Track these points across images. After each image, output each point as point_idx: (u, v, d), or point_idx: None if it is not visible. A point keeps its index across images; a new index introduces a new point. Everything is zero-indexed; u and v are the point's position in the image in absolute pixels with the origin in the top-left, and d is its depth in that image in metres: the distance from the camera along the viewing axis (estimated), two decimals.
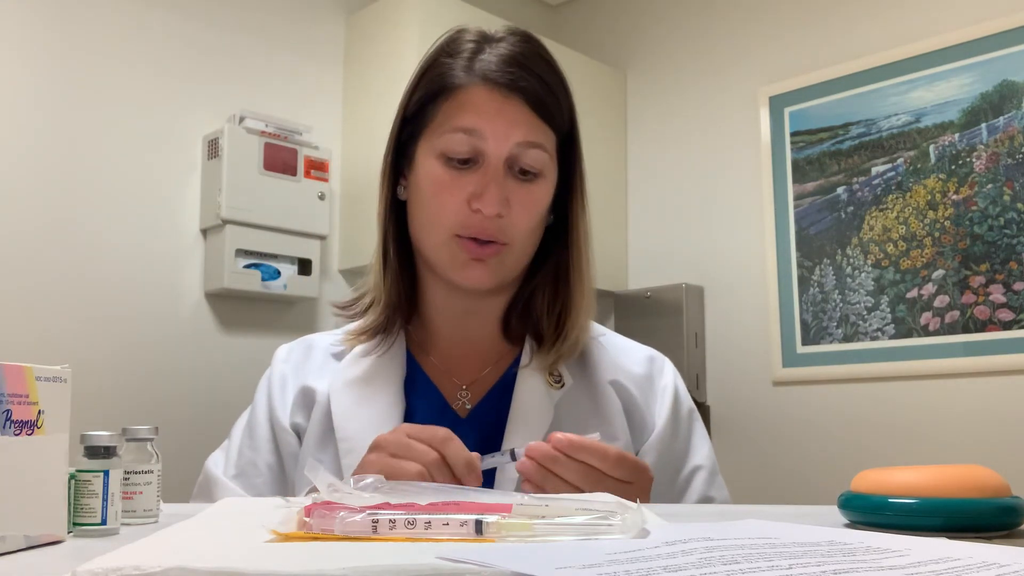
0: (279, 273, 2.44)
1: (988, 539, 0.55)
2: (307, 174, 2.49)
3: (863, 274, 2.54)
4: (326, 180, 2.54)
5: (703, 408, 2.75)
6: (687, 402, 1.04)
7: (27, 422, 0.53)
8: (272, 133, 2.43)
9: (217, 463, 1.01)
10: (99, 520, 0.58)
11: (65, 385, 0.56)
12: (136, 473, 0.65)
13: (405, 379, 1.00)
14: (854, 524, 0.61)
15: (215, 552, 0.46)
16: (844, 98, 2.62)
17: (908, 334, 2.44)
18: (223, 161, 2.32)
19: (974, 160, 2.38)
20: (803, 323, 2.64)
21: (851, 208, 2.58)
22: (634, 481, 0.78)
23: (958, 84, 2.42)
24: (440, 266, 0.97)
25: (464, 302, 1.01)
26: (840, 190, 2.61)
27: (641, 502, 0.78)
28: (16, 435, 0.52)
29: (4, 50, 2.10)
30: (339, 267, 2.67)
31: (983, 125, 2.37)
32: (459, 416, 0.98)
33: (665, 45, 3.08)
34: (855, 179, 2.58)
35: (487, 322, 1.03)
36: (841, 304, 2.57)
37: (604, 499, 0.62)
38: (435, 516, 0.49)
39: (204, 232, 2.40)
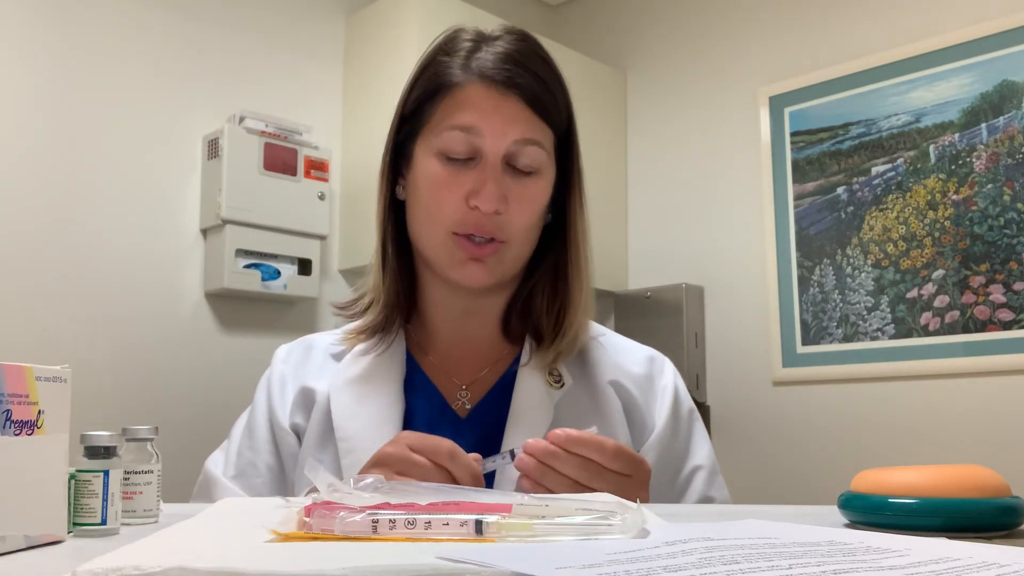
0: (279, 273, 2.44)
1: (988, 539, 0.55)
2: (307, 174, 2.49)
3: (863, 274, 2.54)
4: (326, 180, 2.54)
5: (703, 408, 2.75)
6: (687, 402, 1.04)
7: (27, 422, 0.53)
8: (272, 133, 2.43)
9: (217, 463, 1.01)
10: (99, 520, 0.58)
11: (65, 385, 0.56)
12: (136, 473, 0.65)
13: (405, 379, 0.99)
14: (854, 524, 0.61)
15: (215, 552, 0.46)
16: (844, 98, 2.62)
17: (908, 334, 2.44)
18: (223, 161, 2.32)
19: (974, 160, 2.38)
20: (803, 323, 2.64)
21: (851, 208, 2.58)
22: (632, 474, 0.78)
23: (958, 84, 2.42)
24: (438, 264, 0.97)
25: (463, 301, 1.01)
26: (840, 190, 2.61)
27: (640, 495, 0.78)
28: (16, 435, 0.52)
29: (4, 50, 2.10)
30: (339, 267, 2.67)
31: (983, 125, 2.37)
32: (459, 416, 0.98)
33: (665, 45, 3.08)
34: (855, 179, 2.58)
35: (487, 321, 1.03)
36: (841, 304, 2.57)
37: (604, 499, 0.62)
38: (435, 516, 0.49)
39: (204, 232, 2.40)
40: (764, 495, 2.52)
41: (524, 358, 0.99)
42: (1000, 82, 2.35)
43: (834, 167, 2.63)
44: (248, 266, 2.38)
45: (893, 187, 2.51)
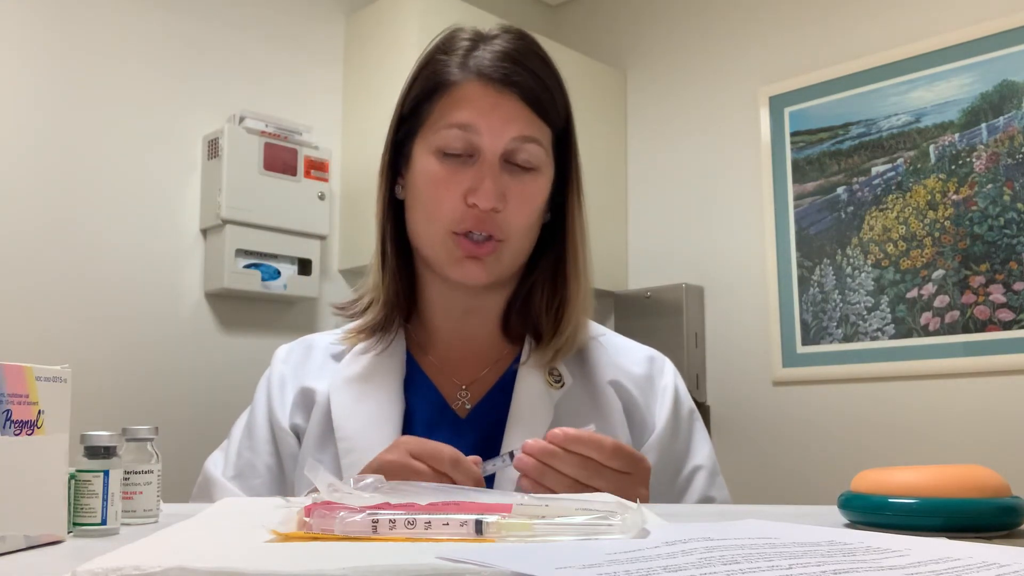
0: (279, 273, 2.44)
1: (988, 539, 0.55)
2: (307, 174, 2.49)
3: (863, 274, 2.54)
4: (326, 180, 2.54)
5: (703, 408, 2.75)
6: (687, 402, 1.04)
7: (27, 422, 0.53)
8: (272, 133, 2.43)
9: (216, 464, 1.01)
10: (99, 520, 0.58)
11: (65, 385, 0.56)
12: (136, 473, 0.65)
13: (405, 379, 0.99)
14: (854, 524, 0.61)
15: (215, 552, 0.46)
16: (844, 98, 2.62)
17: (908, 334, 2.44)
18: (223, 161, 2.32)
19: (974, 160, 2.38)
20: (803, 323, 2.64)
21: (851, 208, 2.58)
22: (632, 472, 0.78)
23: (958, 84, 2.42)
24: (436, 263, 0.97)
25: (463, 300, 1.01)
26: (840, 190, 2.61)
27: (640, 492, 0.78)
28: (16, 435, 0.52)
29: (4, 50, 2.10)
30: (339, 267, 2.67)
31: (983, 125, 2.37)
32: (458, 416, 0.98)
33: (665, 45, 3.08)
34: (855, 179, 2.58)
35: (486, 320, 1.03)
36: (841, 304, 2.57)
37: (604, 499, 0.62)
38: (435, 516, 0.49)
39: (204, 232, 2.40)
40: (764, 495, 2.52)
41: (523, 357, 1.00)
42: (1000, 82, 2.35)
43: (834, 167, 2.63)
44: (248, 266, 2.38)
45: (893, 187, 2.51)
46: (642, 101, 3.13)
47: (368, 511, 0.49)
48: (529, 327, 1.02)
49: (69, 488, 0.57)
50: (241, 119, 2.39)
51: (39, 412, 0.53)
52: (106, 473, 0.59)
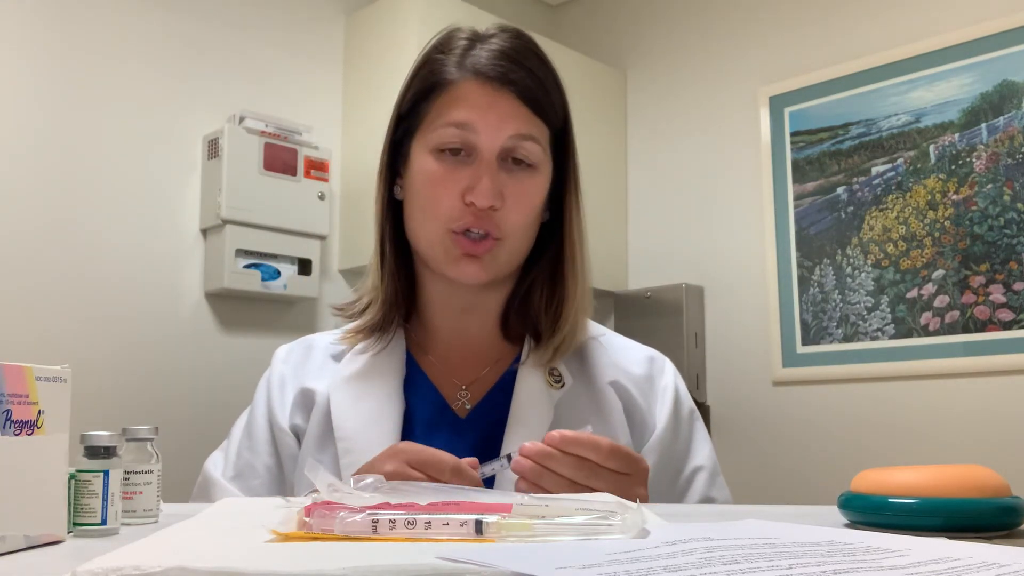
0: (279, 273, 2.44)
1: (988, 539, 0.55)
2: (307, 174, 2.49)
3: (863, 274, 2.54)
4: (326, 180, 2.54)
5: (703, 408, 2.75)
6: (688, 403, 1.04)
7: (27, 422, 0.53)
8: (272, 133, 2.43)
9: (216, 464, 1.01)
10: (99, 520, 0.58)
11: (65, 385, 0.56)
12: (136, 473, 0.65)
13: (405, 379, 0.99)
14: (854, 524, 0.61)
15: (215, 552, 0.46)
16: (844, 98, 2.62)
17: (908, 334, 2.44)
18: (223, 161, 2.32)
19: (974, 160, 2.38)
20: (803, 323, 2.64)
21: (851, 208, 2.58)
22: (630, 472, 0.78)
23: (958, 84, 2.42)
24: (434, 261, 0.97)
25: (462, 299, 1.01)
26: (840, 190, 2.61)
27: (639, 492, 0.78)
28: (16, 435, 0.52)
29: (4, 50, 2.10)
30: (339, 267, 2.67)
31: (983, 125, 2.37)
32: (458, 416, 0.98)
33: (665, 45, 3.08)
34: (855, 179, 2.58)
35: (485, 320, 1.03)
36: (841, 304, 2.57)
37: (604, 499, 0.62)
38: (435, 516, 0.49)
39: (204, 232, 2.40)
40: (764, 495, 2.52)
41: (523, 357, 1.00)
42: (1000, 82, 2.35)
43: (834, 167, 2.63)
44: (248, 266, 2.38)
45: (893, 187, 2.51)
46: (642, 101, 3.13)
47: (368, 511, 0.49)
48: (528, 327, 1.02)
49: (69, 488, 0.57)
50: (241, 119, 2.39)
51: (39, 412, 0.53)
52: (106, 473, 0.59)
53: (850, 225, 2.58)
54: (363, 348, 1.01)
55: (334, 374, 1.00)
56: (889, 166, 2.52)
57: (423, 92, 0.97)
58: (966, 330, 2.35)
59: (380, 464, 0.78)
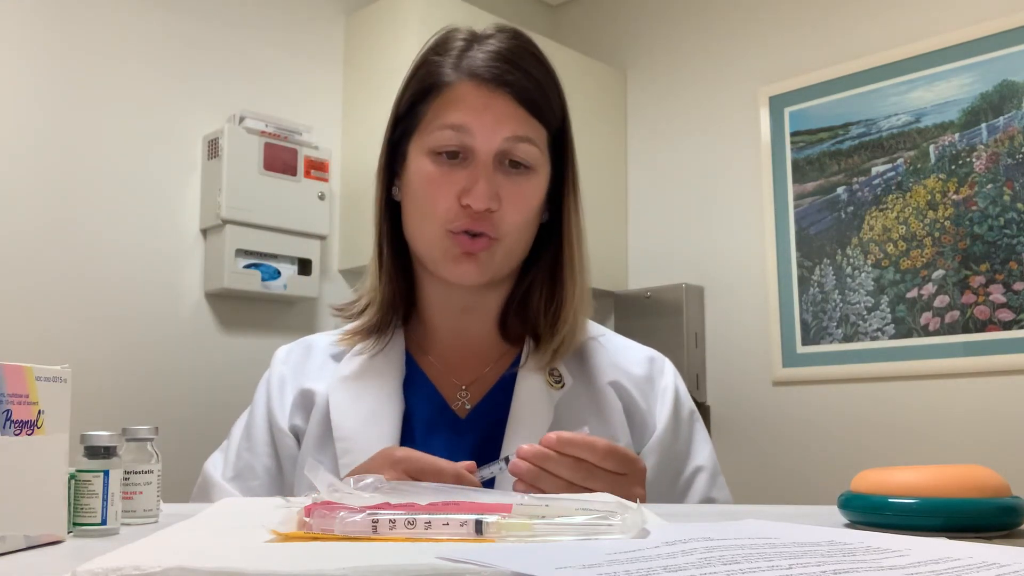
0: (279, 273, 2.44)
1: (988, 539, 0.55)
2: (307, 174, 2.49)
3: (863, 274, 2.54)
4: (326, 180, 2.54)
5: (703, 408, 2.75)
6: (688, 403, 1.04)
7: (27, 422, 0.53)
8: (272, 133, 2.43)
9: (216, 465, 1.01)
10: (99, 520, 0.58)
11: (65, 385, 0.56)
12: (136, 473, 0.65)
13: (405, 379, 0.99)
14: (854, 524, 0.61)
15: (215, 552, 0.46)
16: (844, 98, 2.62)
17: (908, 334, 2.44)
18: (223, 161, 2.32)
19: (974, 160, 2.38)
20: (803, 323, 2.64)
21: (851, 208, 2.58)
22: (627, 472, 0.78)
23: (958, 84, 2.42)
24: (432, 262, 0.97)
25: (460, 299, 1.01)
26: (840, 190, 2.61)
27: (636, 493, 0.78)
28: (16, 435, 0.52)
29: (4, 50, 2.10)
30: (339, 267, 2.67)
31: (983, 125, 2.37)
32: (458, 416, 0.98)
33: (665, 45, 3.08)
34: (855, 179, 2.58)
35: (484, 320, 1.03)
36: (841, 304, 2.57)
37: (604, 499, 0.62)
38: (435, 516, 0.49)
39: (204, 232, 2.40)
40: (764, 495, 2.52)
41: (524, 355, 1.00)
42: (1000, 82, 2.35)
43: (834, 167, 2.63)
44: (248, 266, 2.38)
45: (893, 187, 2.51)
46: (642, 101, 3.13)
47: (368, 511, 0.49)
48: (528, 327, 1.02)
49: (69, 488, 0.57)
50: (241, 119, 2.40)
51: (39, 412, 0.53)
52: (106, 473, 0.59)
53: (850, 225, 2.58)
54: (362, 350, 1.01)
55: (333, 374, 1.00)
56: (889, 166, 2.52)
57: (420, 93, 0.97)
58: (966, 330, 2.35)
59: (376, 469, 0.78)
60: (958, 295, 2.37)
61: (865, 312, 2.52)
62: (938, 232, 2.42)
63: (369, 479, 0.60)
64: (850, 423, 2.51)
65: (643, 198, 3.08)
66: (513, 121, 0.93)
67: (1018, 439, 2.22)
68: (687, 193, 2.96)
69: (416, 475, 0.76)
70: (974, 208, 2.37)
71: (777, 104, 2.75)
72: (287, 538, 0.48)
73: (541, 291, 1.01)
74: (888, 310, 2.48)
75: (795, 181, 2.70)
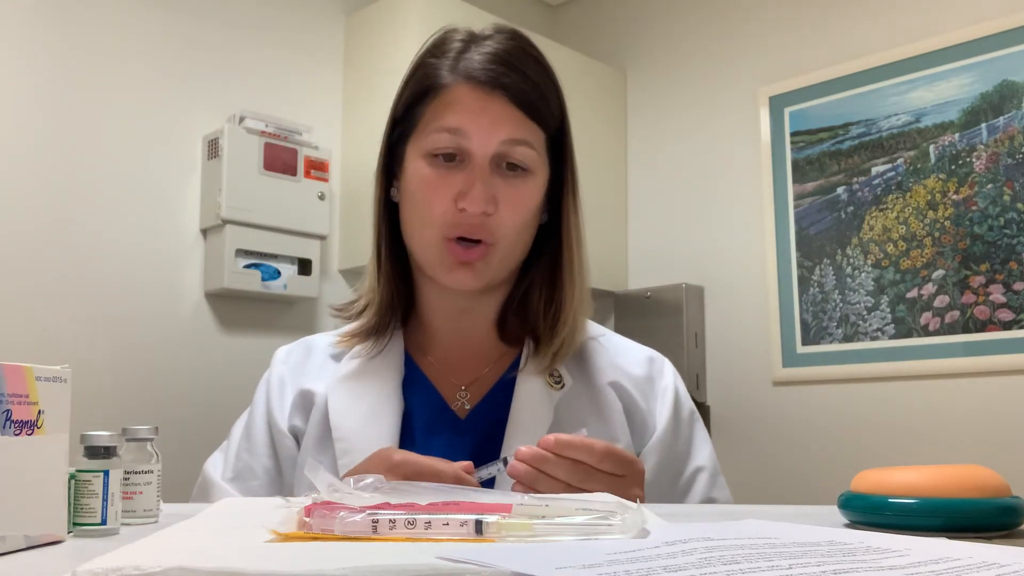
0: (279, 273, 2.44)
1: (988, 539, 0.55)
2: (307, 174, 2.49)
3: (863, 274, 2.54)
4: (326, 180, 2.54)
5: (703, 408, 2.75)
6: (688, 403, 1.04)
7: (27, 422, 0.53)
8: (272, 133, 2.43)
9: (215, 466, 1.01)
10: (99, 520, 0.58)
11: (65, 385, 0.56)
12: (136, 473, 0.65)
13: (404, 380, 0.99)
14: (854, 524, 0.61)
15: (215, 552, 0.46)
16: (844, 98, 2.62)
17: (908, 334, 2.44)
18: (223, 161, 2.32)
19: (974, 160, 2.38)
20: (803, 323, 2.64)
21: (851, 208, 2.58)
22: (625, 473, 0.78)
23: (958, 84, 2.42)
24: (429, 267, 0.97)
25: (458, 301, 1.01)
26: (840, 190, 2.61)
27: (635, 493, 0.78)
28: (16, 435, 0.52)
29: (4, 50, 2.10)
30: (339, 267, 2.67)
31: (983, 125, 2.37)
32: (458, 417, 0.98)
33: (665, 45, 3.08)
34: (855, 179, 2.58)
35: (483, 321, 1.03)
36: (841, 304, 2.57)
37: (604, 499, 0.62)
38: (435, 516, 0.49)
39: (204, 232, 2.40)
40: (764, 495, 2.52)
41: (523, 360, 0.99)
42: (1000, 82, 2.35)
43: (834, 167, 2.63)
44: (248, 266, 2.38)
45: (893, 187, 2.51)
46: (642, 101, 3.13)
47: (368, 511, 0.49)
48: (527, 328, 1.02)
49: (69, 488, 0.57)
50: (241, 119, 2.39)
51: (39, 412, 0.53)
52: (106, 473, 0.59)
53: (850, 225, 2.58)
54: (361, 351, 1.01)
55: (333, 375, 1.00)
56: (889, 166, 2.52)
57: (417, 96, 0.97)
58: (966, 330, 2.35)
59: (372, 470, 0.77)
60: (958, 295, 2.37)
61: (865, 312, 2.52)
62: (938, 232, 2.42)
63: (369, 479, 0.60)
64: (850, 423, 2.51)
65: (643, 198, 3.08)
66: (509, 124, 0.93)
67: (1018, 439, 2.22)
68: (687, 193, 2.96)
69: (414, 479, 0.76)
70: (974, 208, 2.37)
71: (777, 104, 2.75)
72: (287, 538, 0.48)
73: (540, 292, 1.01)
74: (888, 310, 2.48)
75: (795, 181, 2.70)
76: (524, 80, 0.94)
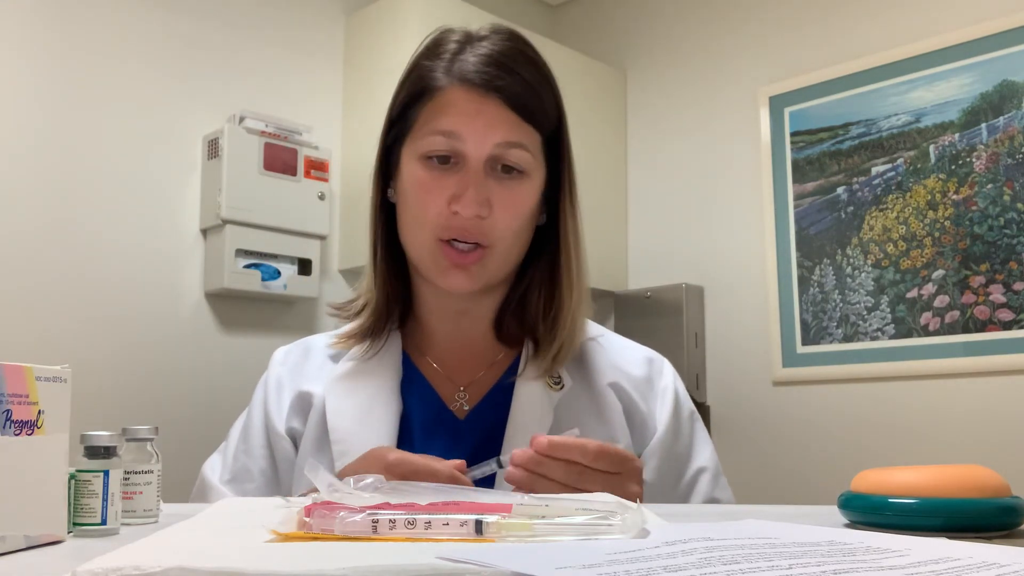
0: (279, 273, 2.44)
1: (988, 539, 0.55)
2: (307, 174, 2.49)
3: (863, 274, 2.54)
4: (326, 180, 2.54)
5: (703, 408, 2.75)
6: (688, 404, 1.04)
7: (27, 422, 0.53)
8: (272, 133, 2.43)
9: (213, 468, 1.01)
10: (99, 520, 0.58)
11: (65, 385, 0.56)
12: (136, 473, 0.65)
13: (402, 381, 0.99)
14: (854, 524, 0.61)
15: (215, 552, 0.46)
16: (844, 98, 2.62)
17: (908, 334, 2.44)
18: (223, 161, 2.32)
19: (974, 160, 2.38)
20: (803, 323, 2.64)
21: (851, 208, 2.58)
22: (621, 471, 0.78)
23: (958, 84, 2.42)
24: (424, 269, 0.97)
25: (456, 302, 1.01)
26: (840, 190, 2.61)
27: (632, 490, 0.78)
28: (16, 435, 0.52)
29: (4, 50, 2.10)
30: (339, 267, 2.67)
31: (983, 125, 2.37)
32: (456, 418, 0.98)
33: (665, 45, 3.08)
34: (855, 179, 2.58)
35: (481, 323, 1.03)
36: (841, 304, 2.57)
37: (604, 499, 0.62)
38: (435, 516, 0.49)
39: (204, 232, 2.40)
40: (764, 495, 2.52)
41: (523, 362, 0.99)
42: (1000, 82, 2.35)
43: (834, 167, 2.63)
44: (248, 266, 2.38)
45: (893, 187, 2.51)
46: (642, 101, 3.13)
47: (368, 511, 0.49)
48: (526, 330, 1.02)
49: (69, 488, 0.57)
50: (241, 119, 2.39)
51: (39, 412, 0.53)
52: (106, 473, 0.59)
53: (850, 225, 2.58)
54: (359, 352, 1.01)
55: (330, 376, 1.00)
56: (889, 166, 2.52)
57: (412, 98, 0.96)
58: (966, 330, 2.35)
59: (367, 469, 0.77)
60: (958, 295, 2.37)
61: (865, 312, 2.52)
62: (938, 232, 2.42)
63: (369, 479, 0.60)
64: (850, 423, 2.51)
65: (643, 198, 3.08)
66: (504, 126, 0.93)
67: (1018, 439, 2.22)
68: (687, 193, 2.96)
69: (411, 478, 0.76)
70: (974, 208, 2.37)
71: (777, 104, 2.75)
72: (287, 538, 0.48)
73: (539, 293, 1.00)
74: (888, 310, 2.48)
75: (795, 181, 2.70)
76: (519, 82, 0.93)
